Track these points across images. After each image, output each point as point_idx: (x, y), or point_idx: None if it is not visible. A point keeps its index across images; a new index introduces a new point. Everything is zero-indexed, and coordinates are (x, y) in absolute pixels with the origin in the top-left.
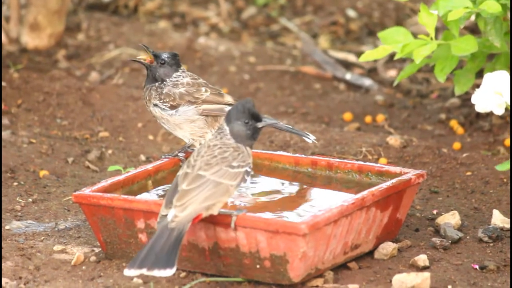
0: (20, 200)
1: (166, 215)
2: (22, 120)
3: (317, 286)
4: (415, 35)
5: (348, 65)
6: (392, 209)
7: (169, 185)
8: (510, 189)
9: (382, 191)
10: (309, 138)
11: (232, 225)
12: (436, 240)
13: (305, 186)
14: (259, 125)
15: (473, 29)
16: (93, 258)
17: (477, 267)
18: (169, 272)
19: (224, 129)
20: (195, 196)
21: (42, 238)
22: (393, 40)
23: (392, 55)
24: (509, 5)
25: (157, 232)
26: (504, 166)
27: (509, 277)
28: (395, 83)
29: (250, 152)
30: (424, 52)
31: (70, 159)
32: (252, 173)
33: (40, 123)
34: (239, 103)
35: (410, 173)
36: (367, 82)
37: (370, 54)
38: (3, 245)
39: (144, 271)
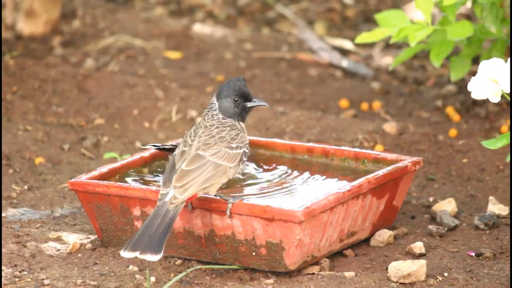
0: (16, 188)
1: (166, 193)
2: (17, 107)
3: (313, 273)
4: (411, 21)
5: (344, 52)
6: (389, 197)
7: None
8: (510, 176)
9: (378, 179)
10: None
11: (228, 212)
12: (432, 227)
13: (301, 173)
14: (248, 105)
15: (469, 16)
16: (88, 246)
17: (473, 254)
18: (158, 257)
19: (213, 103)
20: (195, 177)
21: (38, 225)
22: (390, 23)
23: (388, 43)
24: None
25: (153, 211)
26: (491, 144)
27: (506, 264)
28: (390, 68)
29: (244, 126)
30: (419, 35)
31: (65, 146)
32: (249, 153)
33: (36, 110)
34: (230, 80)
35: (406, 160)
36: (363, 69)
37: (367, 36)
38: None
39: (137, 254)
